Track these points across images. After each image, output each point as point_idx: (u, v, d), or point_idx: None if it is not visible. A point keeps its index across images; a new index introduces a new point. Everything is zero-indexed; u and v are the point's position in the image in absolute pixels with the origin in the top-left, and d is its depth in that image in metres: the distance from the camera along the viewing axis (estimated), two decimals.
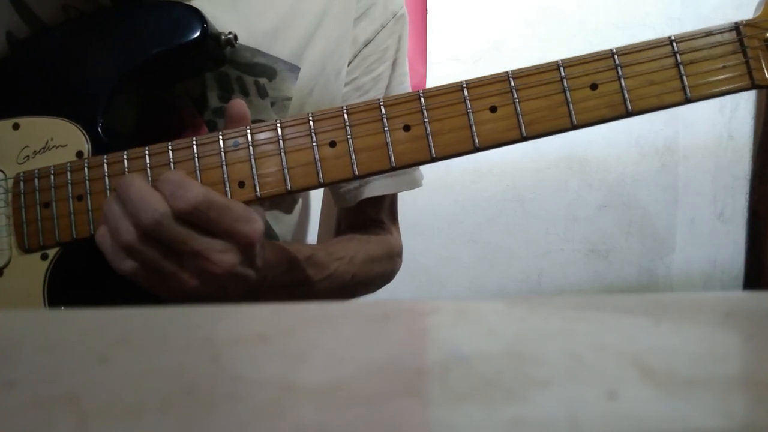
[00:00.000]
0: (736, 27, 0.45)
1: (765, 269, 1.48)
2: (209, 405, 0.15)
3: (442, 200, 1.42)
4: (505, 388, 0.16)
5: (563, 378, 0.17)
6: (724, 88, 0.44)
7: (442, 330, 0.23)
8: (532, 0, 1.42)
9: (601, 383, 0.17)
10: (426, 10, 1.34)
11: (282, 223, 0.72)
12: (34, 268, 0.51)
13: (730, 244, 1.52)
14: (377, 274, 0.69)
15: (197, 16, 0.53)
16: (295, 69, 0.62)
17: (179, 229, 0.44)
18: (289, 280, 0.56)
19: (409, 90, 0.73)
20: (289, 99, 0.63)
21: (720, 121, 1.49)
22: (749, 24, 0.44)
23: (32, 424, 0.14)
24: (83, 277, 0.55)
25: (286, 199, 0.73)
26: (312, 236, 0.97)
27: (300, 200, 0.77)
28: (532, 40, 1.42)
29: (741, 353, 0.21)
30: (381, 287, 0.72)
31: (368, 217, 0.73)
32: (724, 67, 0.44)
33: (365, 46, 0.68)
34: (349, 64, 0.68)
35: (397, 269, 0.74)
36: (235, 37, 0.56)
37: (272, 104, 0.62)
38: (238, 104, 0.49)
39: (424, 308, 0.28)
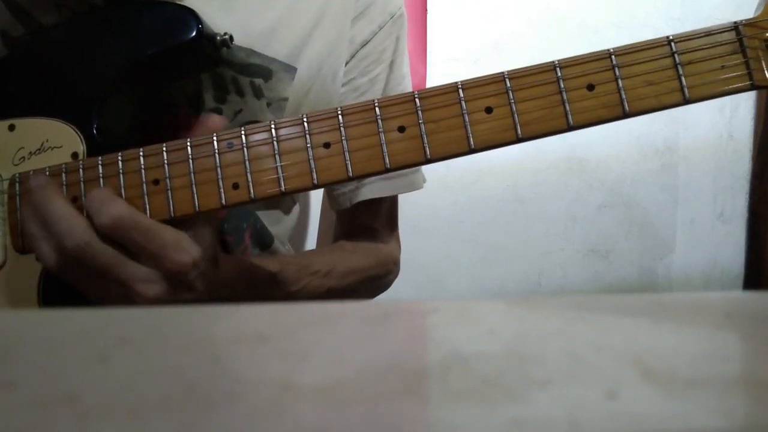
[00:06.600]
0: (736, 27, 0.44)
1: (765, 269, 1.48)
2: (209, 405, 0.15)
3: (442, 200, 1.42)
4: (505, 388, 0.16)
5: (563, 378, 0.17)
6: (723, 88, 0.44)
7: (442, 330, 0.23)
8: (532, 0, 1.42)
9: (601, 383, 0.17)
10: (426, 10, 1.34)
11: (280, 224, 0.72)
12: (28, 270, 0.51)
13: (730, 244, 1.52)
14: (360, 285, 0.66)
15: (192, 16, 0.53)
16: (291, 69, 0.62)
17: (103, 255, 0.43)
18: (252, 294, 0.54)
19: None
20: (286, 100, 0.63)
21: (720, 121, 1.49)
22: (749, 24, 0.44)
23: (32, 424, 0.14)
24: None
25: (284, 200, 0.73)
26: (311, 238, 0.97)
27: (297, 203, 0.77)
28: (532, 40, 1.42)
29: (741, 353, 0.21)
30: (375, 296, 0.71)
31: (362, 224, 0.72)
32: (723, 67, 0.44)
33: (362, 47, 0.68)
34: (345, 65, 0.68)
35: (393, 278, 0.73)
36: (231, 37, 0.55)
37: (268, 105, 0.62)
38: (214, 119, 0.48)
39: (424, 308, 0.28)
